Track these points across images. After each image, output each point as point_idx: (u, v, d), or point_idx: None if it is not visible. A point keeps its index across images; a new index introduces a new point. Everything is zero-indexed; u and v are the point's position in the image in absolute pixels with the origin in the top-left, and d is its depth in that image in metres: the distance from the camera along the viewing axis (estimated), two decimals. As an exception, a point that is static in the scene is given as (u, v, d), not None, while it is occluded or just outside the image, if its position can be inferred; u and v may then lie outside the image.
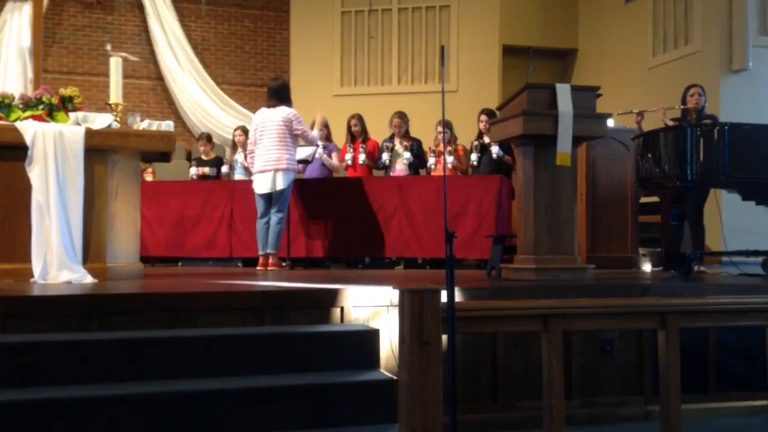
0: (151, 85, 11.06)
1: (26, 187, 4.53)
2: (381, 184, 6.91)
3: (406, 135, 7.35)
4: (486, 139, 7.09)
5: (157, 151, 5.12)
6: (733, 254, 5.74)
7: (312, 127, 6.95)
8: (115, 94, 5.11)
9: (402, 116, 7.38)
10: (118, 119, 5.01)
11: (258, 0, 11.42)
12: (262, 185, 6.22)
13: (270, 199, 6.24)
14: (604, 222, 6.14)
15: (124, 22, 10.99)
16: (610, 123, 5.91)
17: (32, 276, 4.45)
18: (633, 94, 9.28)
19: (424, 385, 2.89)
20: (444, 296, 2.89)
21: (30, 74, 5.97)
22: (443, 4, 10.85)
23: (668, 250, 5.68)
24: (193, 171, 8.04)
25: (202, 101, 10.91)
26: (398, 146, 7.29)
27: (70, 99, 4.98)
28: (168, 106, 11.10)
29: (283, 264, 6.41)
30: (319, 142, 7.09)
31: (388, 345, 3.70)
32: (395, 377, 3.22)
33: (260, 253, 6.28)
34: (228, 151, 8.55)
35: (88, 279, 4.49)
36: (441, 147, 7.07)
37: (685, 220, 5.95)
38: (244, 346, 3.32)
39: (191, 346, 3.26)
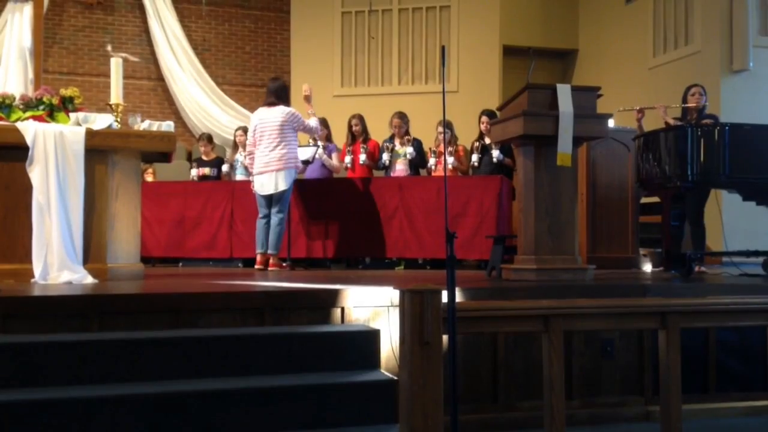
0: (151, 86, 11.06)
1: (27, 188, 4.54)
2: (381, 185, 6.91)
3: (406, 135, 7.36)
4: (487, 140, 7.09)
5: (157, 152, 5.12)
6: (734, 254, 5.74)
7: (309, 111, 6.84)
8: (116, 95, 5.11)
9: (402, 116, 7.38)
10: (118, 120, 5.01)
11: (258, 0, 11.42)
12: (263, 186, 6.21)
13: (271, 199, 6.24)
14: (604, 222, 6.14)
15: (124, 22, 11.00)
16: (611, 123, 5.91)
17: (33, 276, 4.46)
18: (633, 95, 9.26)
19: (424, 386, 2.89)
20: (445, 296, 2.89)
21: (30, 75, 5.97)
22: (443, 4, 10.85)
23: (669, 250, 5.68)
24: (194, 172, 8.04)
25: (202, 102, 10.92)
26: (398, 146, 7.29)
27: (71, 99, 4.99)
28: (168, 106, 11.10)
29: (284, 264, 6.41)
30: (320, 142, 7.09)
31: (389, 345, 3.70)
32: (396, 377, 3.22)
33: (258, 251, 6.27)
34: (229, 151, 8.55)
35: (89, 279, 4.49)
36: (441, 147, 7.07)
37: (686, 221, 5.95)
38: (244, 347, 3.32)
39: (191, 346, 3.26)
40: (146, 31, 10.97)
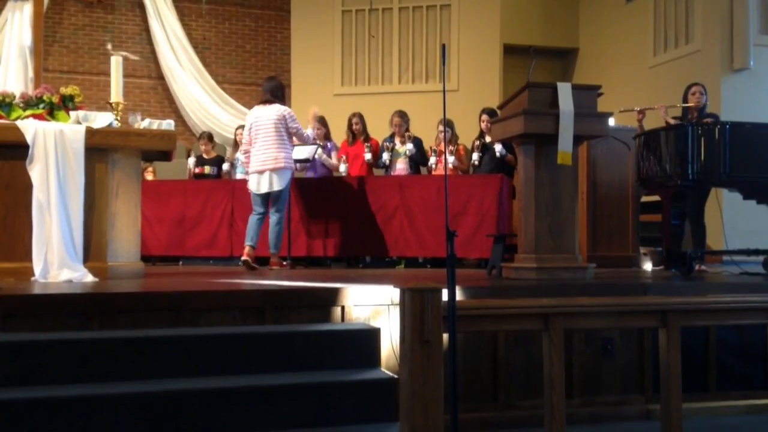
0: (151, 84, 11.06)
1: (27, 186, 4.54)
2: (382, 183, 6.91)
3: (406, 133, 7.36)
4: (487, 139, 7.09)
5: (157, 150, 5.12)
6: (734, 253, 5.74)
7: (311, 126, 6.91)
8: (116, 93, 5.11)
9: (402, 115, 7.37)
10: (118, 118, 5.01)
11: (258, -1, 11.43)
12: (259, 185, 6.17)
13: (267, 198, 6.22)
14: (604, 221, 6.14)
15: (124, 21, 10.99)
16: (611, 122, 5.91)
17: (33, 275, 4.46)
18: (634, 93, 9.26)
19: (424, 384, 2.89)
20: (445, 295, 2.89)
21: (31, 73, 5.97)
22: (444, 3, 10.84)
23: (669, 249, 5.68)
24: (191, 162, 8.04)
25: (202, 100, 10.91)
26: (398, 145, 7.29)
27: (71, 98, 4.99)
28: (168, 105, 11.10)
29: (284, 263, 6.40)
30: (318, 141, 7.09)
31: (389, 344, 3.70)
32: (396, 376, 3.22)
33: (247, 243, 6.11)
34: (229, 150, 8.54)
35: (89, 278, 4.49)
36: (442, 146, 7.07)
37: (686, 219, 5.95)
38: (244, 345, 3.32)
39: (192, 345, 3.26)
40: (146, 29, 10.97)
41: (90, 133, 4.71)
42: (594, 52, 10.99)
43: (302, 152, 6.70)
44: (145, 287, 4.08)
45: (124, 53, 10.30)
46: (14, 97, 4.89)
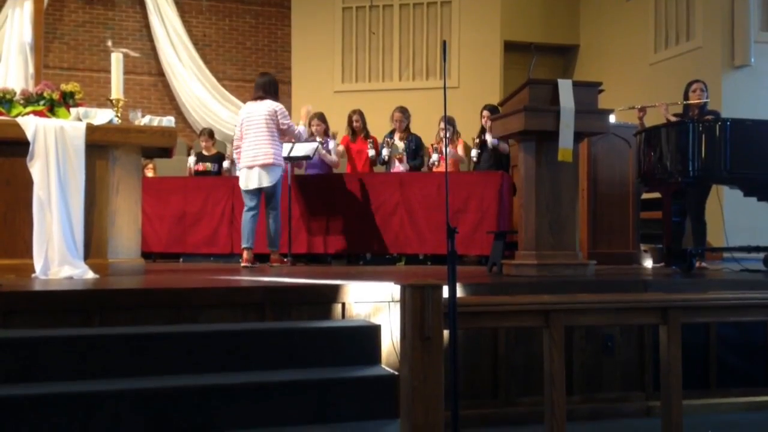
0: (152, 81, 11.06)
1: (27, 183, 4.54)
2: (382, 181, 6.91)
3: (406, 131, 7.36)
4: (488, 136, 7.08)
5: (158, 147, 5.11)
6: (735, 250, 5.73)
7: (303, 123, 6.87)
8: (116, 90, 5.11)
9: (403, 111, 7.38)
10: (119, 115, 5.01)
11: (259, -4, 11.42)
12: (249, 181, 6.11)
13: (257, 193, 6.15)
14: (605, 218, 6.13)
15: (125, 18, 10.98)
16: (612, 119, 5.90)
17: (33, 271, 4.46)
18: (634, 90, 9.26)
19: (425, 381, 2.89)
20: (445, 292, 2.89)
21: (31, 70, 5.96)
22: (444, 0, 10.84)
23: (669, 246, 5.68)
24: (192, 160, 8.04)
25: (203, 97, 10.91)
26: (397, 141, 7.29)
27: (71, 95, 4.99)
28: (169, 102, 11.09)
29: (285, 260, 6.40)
30: (318, 138, 7.08)
31: (389, 340, 3.70)
32: (396, 372, 3.22)
33: (244, 245, 6.07)
34: (229, 146, 8.53)
35: (90, 274, 4.49)
36: (442, 146, 7.07)
37: (687, 216, 5.95)
38: (245, 342, 3.32)
39: (192, 341, 3.26)
40: (147, 26, 10.96)
41: (90, 129, 4.70)
42: (595, 49, 10.98)
43: (303, 149, 6.68)
44: (145, 284, 4.09)
45: (124, 50, 10.31)
46: (15, 93, 4.89)
